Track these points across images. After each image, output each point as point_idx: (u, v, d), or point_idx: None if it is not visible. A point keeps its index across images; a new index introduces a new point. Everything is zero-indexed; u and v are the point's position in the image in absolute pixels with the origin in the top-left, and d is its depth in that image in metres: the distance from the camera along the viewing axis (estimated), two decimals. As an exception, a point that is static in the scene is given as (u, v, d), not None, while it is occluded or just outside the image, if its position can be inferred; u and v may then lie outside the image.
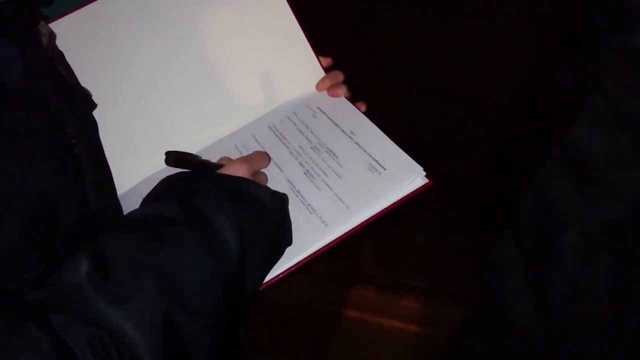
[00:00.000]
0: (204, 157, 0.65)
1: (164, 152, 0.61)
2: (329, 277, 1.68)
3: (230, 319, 0.54)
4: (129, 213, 0.58)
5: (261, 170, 0.66)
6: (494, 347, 0.69)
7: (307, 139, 0.69)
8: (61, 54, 0.62)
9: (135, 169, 0.69)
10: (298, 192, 0.65)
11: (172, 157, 0.60)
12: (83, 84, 0.64)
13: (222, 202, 0.55)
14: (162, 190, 0.59)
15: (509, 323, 0.66)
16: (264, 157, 0.66)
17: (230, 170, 0.61)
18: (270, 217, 0.58)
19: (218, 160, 0.65)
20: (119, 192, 0.66)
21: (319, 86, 0.74)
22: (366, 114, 0.70)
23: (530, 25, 1.92)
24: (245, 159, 0.64)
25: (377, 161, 0.64)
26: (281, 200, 0.60)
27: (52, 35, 0.60)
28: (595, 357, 0.54)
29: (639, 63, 0.48)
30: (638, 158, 0.49)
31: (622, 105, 0.49)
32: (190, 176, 0.60)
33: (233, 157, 0.66)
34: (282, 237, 0.60)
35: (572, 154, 0.56)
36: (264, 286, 0.59)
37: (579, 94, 0.54)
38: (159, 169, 0.67)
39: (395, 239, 1.76)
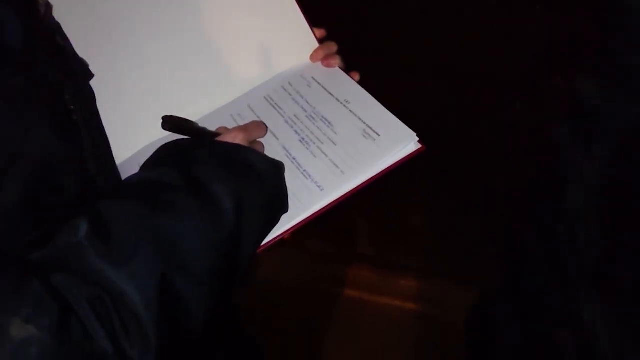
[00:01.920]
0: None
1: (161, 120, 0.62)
2: (326, 257, 1.69)
3: (227, 284, 0.56)
4: (128, 178, 0.59)
5: (258, 140, 0.67)
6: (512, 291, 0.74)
7: (302, 108, 0.70)
8: (58, 25, 0.63)
9: (132, 139, 0.70)
10: (294, 159, 0.66)
11: (169, 122, 0.60)
12: (80, 54, 0.65)
13: (219, 169, 0.56)
14: (161, 157, 0.60)
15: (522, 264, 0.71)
16: (261, 127, 0.67)
17: (227, 138, 0.62)
18: (266, 184, 0.59)
19: (216, 130, 0.65)
20: (117, 161, 0.67)
21: (313, 57, 0.75)
22: (360, 83, 0.71)
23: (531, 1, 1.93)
24: (242, 128, 0.65)
25: (371, 128, 0.65)
26: (277, 167, 0.61)
27: (48, 6, 0.61)
28: (589, 299, 0.58)
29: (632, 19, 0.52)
30: (628, 104, 0.52)
31: (616, 57, 0.54)
32: (188, 143, 0.61)
33: (229, 127, 0.67)
34: (279, 204, 0.61)
35: (574, 105, 0.61)
36: (262, 248, 0.60)
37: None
38: (156, 139, 0.68)
39: (391, 220, 1.78)
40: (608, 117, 0.55)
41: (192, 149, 0.59)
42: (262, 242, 0.60)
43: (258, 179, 0.58)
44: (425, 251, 1.67)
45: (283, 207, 0.61)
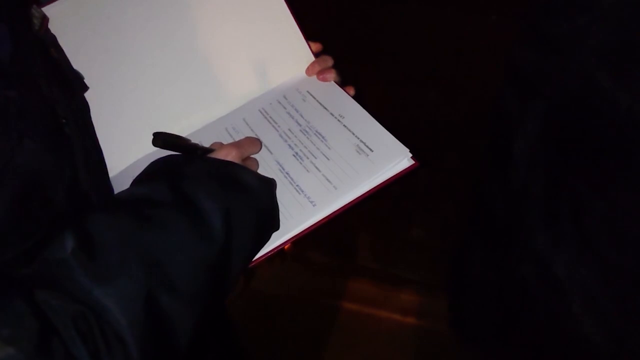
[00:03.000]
0: (195, 140, 0.65)
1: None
2: (327, 270, 1.68)
3: (214, 300, 0.55)
4: (118, 194, 0.59)
5: (252, 156, 0.67)
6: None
7: (297, 122, 0.70)
8: (53, 37, 0.63)
9: (126, 152, 0.70)
10: (287, 173, 0.65)
11: (160, 139, 0.60)
12: (75, 67, 0.65)
13: (210, 186, 0.56)
14: (151, 173, 0.60)
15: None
16: (255, 143, 0.67)
17: (220, 155, 0.61)
18: (257, 201, 0.58)
19: (210, 146, 0.65)
20: (111, 174, 0.67)
21: (308, 71, 0.75)
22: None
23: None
24: (235, 144, 0.64)
25: (364, 143, 0.65)
26: (269, 185, 0.61)
27: (44, 19, 0.61)
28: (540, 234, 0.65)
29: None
30: (555, 69, 0.59)
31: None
32: (180, 159, 0.61)
33: (223, 141, 0.67)
34: (269, 221, 0.60)
35: (515, 70, 0.67)
36: (253, 263, 0.60)
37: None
38: (151, 152, 0.68)
39: (393, 232, 1.77)
40: (538, 76, 0.61)
41: (183, 165, 0.59)
42: (252, 258, 0.60)
43: (249, 196, 0.58)
44: (427, 264, 1.66)
45: (274, 225, 0.61)
